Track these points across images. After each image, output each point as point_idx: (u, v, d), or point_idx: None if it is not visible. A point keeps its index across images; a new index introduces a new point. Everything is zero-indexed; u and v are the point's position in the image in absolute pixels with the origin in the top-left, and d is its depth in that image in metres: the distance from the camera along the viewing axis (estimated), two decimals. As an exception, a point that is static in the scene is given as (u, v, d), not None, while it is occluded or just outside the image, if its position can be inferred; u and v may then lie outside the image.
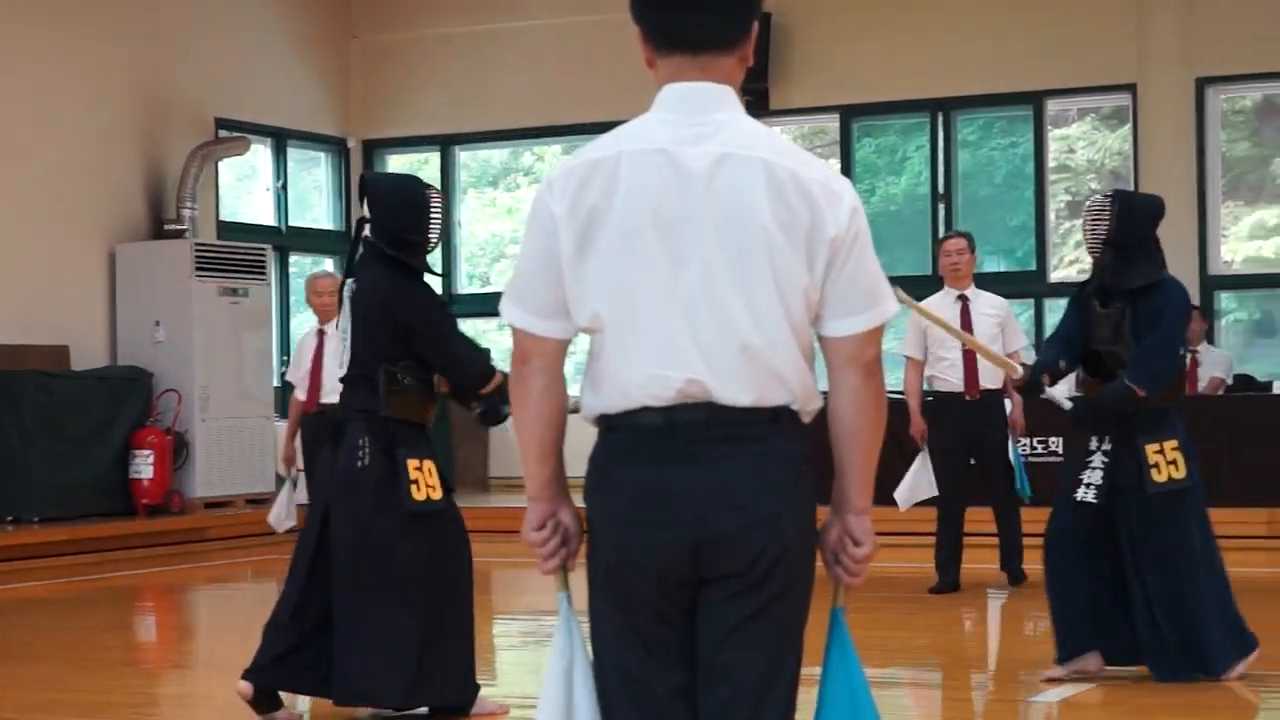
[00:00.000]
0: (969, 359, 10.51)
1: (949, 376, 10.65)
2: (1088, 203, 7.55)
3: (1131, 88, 16.68)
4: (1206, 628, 7.20)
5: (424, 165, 19.80)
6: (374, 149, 19.62)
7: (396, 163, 19.89)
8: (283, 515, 11.01)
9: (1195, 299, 15.86)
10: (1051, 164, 17.84)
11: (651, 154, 3.08)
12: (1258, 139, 17.89)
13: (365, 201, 6.90)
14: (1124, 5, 16.47)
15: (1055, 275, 17.72)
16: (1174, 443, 7.20)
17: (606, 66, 17.24)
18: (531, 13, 18.65)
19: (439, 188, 8.44)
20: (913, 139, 18.11)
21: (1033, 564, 9.91)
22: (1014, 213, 18.10)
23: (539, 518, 3.23)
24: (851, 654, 3.20)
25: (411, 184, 7.01)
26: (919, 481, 10.58)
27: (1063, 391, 7.99)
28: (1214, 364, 14.80)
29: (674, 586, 3.09)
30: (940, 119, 17.62)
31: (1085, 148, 18.43)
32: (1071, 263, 18.14)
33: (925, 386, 10.96)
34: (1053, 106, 17.55)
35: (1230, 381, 14.71)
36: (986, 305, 10.77)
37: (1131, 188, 16.79)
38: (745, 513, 3.05)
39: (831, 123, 18.12)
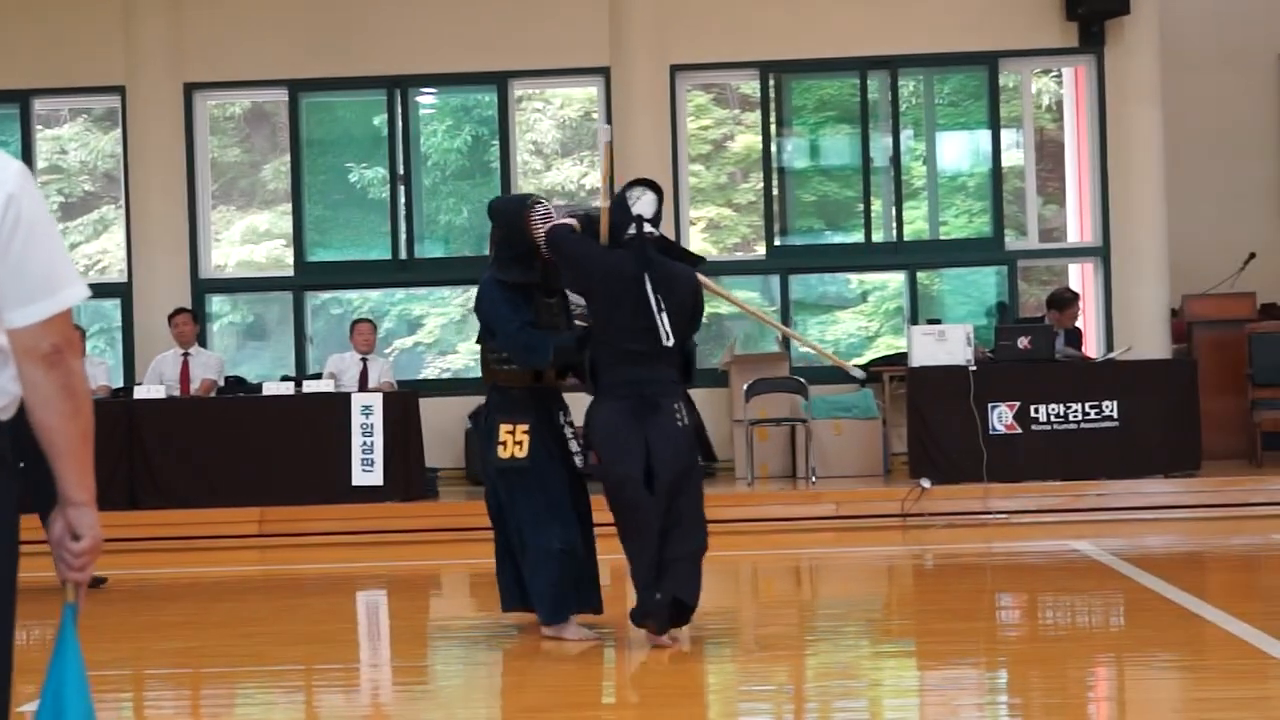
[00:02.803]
0: None
1: None
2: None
3: (121, 90, 16.64)
4: (534, 580, 7.80)
5: None
6: None
7: None
8: None
9: (187, 302, 16.06)
10: (44, 164, 17.53)
11: None
12: (249, 145, 18.34)
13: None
14: (113, 10, 16.42)
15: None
16: (526, 425, 7.68)
17: None
18: None
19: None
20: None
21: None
22: None
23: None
24: (72, 653, 3.16)
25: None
26: None
27: None
28: (206, 366, 14.96)
29: None
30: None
31: (78, 149, 18.25)
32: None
33: None
34: (43, 106, 17.23)
35: (223, 383, 14.94)
36: None
37: (123, 191, 16.80)
38: None
39: None
